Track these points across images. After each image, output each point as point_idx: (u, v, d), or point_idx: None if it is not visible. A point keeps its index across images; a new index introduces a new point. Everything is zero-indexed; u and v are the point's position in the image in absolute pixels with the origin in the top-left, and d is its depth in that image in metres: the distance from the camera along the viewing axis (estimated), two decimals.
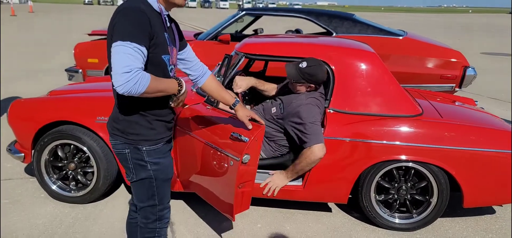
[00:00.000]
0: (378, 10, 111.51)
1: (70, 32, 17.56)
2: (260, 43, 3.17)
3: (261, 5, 71.33)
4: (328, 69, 2.89)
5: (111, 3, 78.70)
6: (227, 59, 2.87)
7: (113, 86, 1.63)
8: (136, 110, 1.77)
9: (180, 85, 1.79)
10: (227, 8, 77.03)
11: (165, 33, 1.76)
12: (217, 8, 80.00)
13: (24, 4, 55.58)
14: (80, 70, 5.62)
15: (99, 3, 76.70)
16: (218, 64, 3.19)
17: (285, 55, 3.05)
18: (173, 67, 1.85)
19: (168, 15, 1.83)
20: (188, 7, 77.31)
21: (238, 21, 5.83)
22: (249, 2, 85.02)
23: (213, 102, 2.66)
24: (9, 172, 3.62)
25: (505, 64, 11.39)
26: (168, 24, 1.82)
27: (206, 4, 79.74)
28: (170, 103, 1.84)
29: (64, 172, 3.13)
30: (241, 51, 3.10)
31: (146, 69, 1.64)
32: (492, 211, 3.24)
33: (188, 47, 2.04)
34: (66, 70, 5.76)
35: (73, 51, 5.64)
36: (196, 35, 5.88)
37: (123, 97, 1.70)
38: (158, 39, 1.70)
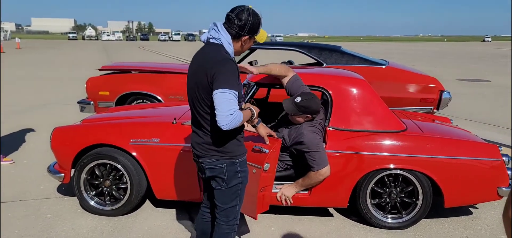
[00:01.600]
0: (357, 40, 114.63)
1: (63, 66, 17.94)
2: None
3: None
4: (327, 94, 3.44)
5: (96, 38, 79.28)
6: (245, 87, 3.42)
7: (218, 124, 2.06)
8: (228, 135, 2.26)
9: (252, 113, 2.35)
10: None
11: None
12: (200, 40, 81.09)
13: (9, 41, 55.61)
14: (92, 102, 6.08)
15: (83, 38, 77.21)
16: None
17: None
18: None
19: None
20: (172, 40, 78.40)
21: None
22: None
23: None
24: (44, 192, 4.03)
25: (478, 89, 12.24)
26: None
27: (190, 38, 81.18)
28: (250, 123, 2.44)
29: (100, 189, 3.57)
30: (253, 81, 3.64)
31: None
32: (470, 212, 3.79)
33: None
34: (78, 102, 6.21)
35: (85, 85, 6.11)
36: None
37: (218, 127, 2.13)
38: (240, 80, 2.24)
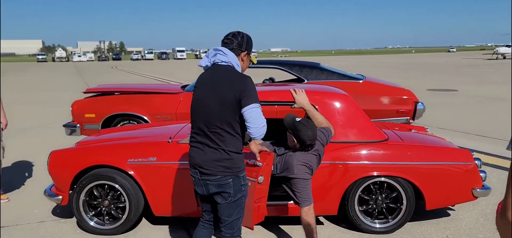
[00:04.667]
0: (329, 54, 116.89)
1: (37, 90, 17.67)
2: (258, 91, 3.94)
3: None
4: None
5: (66, 59, 77.90)
6: None
7: (257, 135, 2.32)
8: (237, 151, 2.46)
9: None
10: (185, 58, 78.23)
11: None
12: (175, 58, 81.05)
13: None
14: (78, 125, 6.13)
15: (53, 60, 75.69)
16: None
17: (276, 100, 3.83)
18: None
19: None
20: (145, 59, 77.84)
21: None
22: (205, 52, 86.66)
23: None
24: (39, 215, 4.07)
25: (447, 99, 12.83)
26: None
27: (163, 56, 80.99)
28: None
29: (98, 209, 3.66)
30: None
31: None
32: (448, 214, 4.07)
33: None
34: (64, 125, 6.25)
35: (71, 108, 6.17)
36: (183, 87, 6.59)
37: (230, 144, 2.40)
38: None
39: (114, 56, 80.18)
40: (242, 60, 2.52)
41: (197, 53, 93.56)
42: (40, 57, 71.57)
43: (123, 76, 28.85)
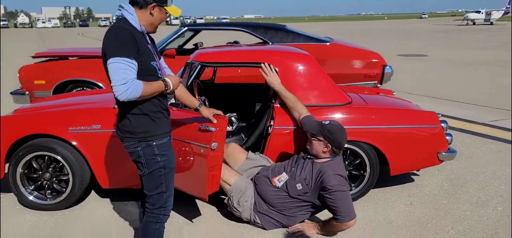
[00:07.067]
0: (303, 20, 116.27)
1: None
2: (213, 52, 3.64)
3: (188, 21, 71.48)
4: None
5: (30, 25, 74.58)
6: (187, 66, 3.30)
7: (115, 96, 2.01)
8: (139, 111, 2.14)
9: (166, 84, 2.18)
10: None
11: (148, 46, 2.18)
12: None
13: None
14: (27, 92, 5.68)
15: (16, 26, 72.34)
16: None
17: (235, 61, 3.55)
18: (160, 72, 2.25)
19: (148, 34, 2.24)
20: None
21: (180, 37, 6.25)
22: (176, 19, 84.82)
23: (179, 104, 3.09)
24: None
25: (417, 64, 12.82)
26: (149, 41, 2.23)
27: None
28: (167, 97, 2.28)
29: (39, 182, 3.34)
30: (197, 60, 3.54)
31: (141, 75, 2.06)
32: (412, 180, 3.95)
33: (162, 60, 2.46)
34: (11, 93, 5.78)
35: (18, 74, 5.70)
36: None
37: (126, 104, 2.09)
38: (144, 50, 2.12)
39: (80, 23, 77.31)
40: (151, 13, 2.16)
41: (168, 19, 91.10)
42: (1, 23, 68.12)
43: (89, 42, 27.72)
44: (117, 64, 1.96)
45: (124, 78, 1.95)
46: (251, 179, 3.20)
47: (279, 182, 3.03)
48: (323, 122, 3.00)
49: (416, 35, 28.45)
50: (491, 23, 45.69)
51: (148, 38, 2.22)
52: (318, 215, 3.19)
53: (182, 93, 2.55)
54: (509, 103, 7.04)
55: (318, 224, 3.04)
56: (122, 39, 2.02)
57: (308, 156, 3.07)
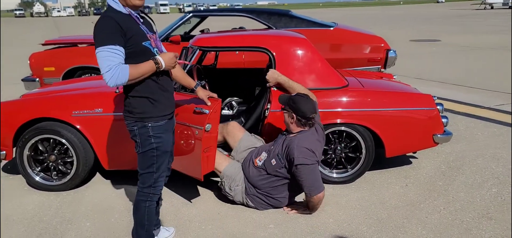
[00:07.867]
0: (317, 6, 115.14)
1: (11, 46, 17.06)
2: (212, 37, 3.72)
3: (202, 8, 71.56)
4: (270, 54, 3.47)
5: (45, 14, 75.54)
6: (184, 51, 3.38)
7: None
8: (137, 93, 2.24)
9: (156, 62, 2.20)
10: (168, 13, 76.24)
11: (140, 26, 2.24)
12: (157, 13, 79.01)
13: None
14: (37, 79, 5.85)
15: (32, 15, 73.38)
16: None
17: (232, 45, 3.62)
18: (157, 49, 2.29)
19: (139, 14, 2.29)
20: None
21: (186, 23, 6.33)
22: (189, 6, 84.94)
23: (177, 87, 3.18)
24: None
25: (428, 49, 12.68)
26: (141, 20, 2.29)
27: (146, 10, 78.74)
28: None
29: (45, 164, 3.49)
30: (195, 45, 3.62)
31: (133, 58, 2.15)
32: (409, 162, 3.99)
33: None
34: (23, 79, 5.96)
35: (29, 61, 5.86)
36: None
37: (126, 87, 2.22)
38: (134, 31, 2.16)
39: (95, 11, 77.88)
40: None
41: (181, 7, 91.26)
42: (18, 12, 69.29)
43: None
44: (101, 53, 2.06)
45: (108, 66, 2.05)
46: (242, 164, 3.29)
47: (260, 162, 3.10)
48: (292, 94, 3.05)
49: (431, 20, 27.99)
50: (510, 7, 44.52)
51: (139, 18, 2.26)
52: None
53: (179, 74, 2.59)
54: None
55: (302, 203, 3.15)
56: (104, 29, 2.11)
57: (285, 132, 3.16)
